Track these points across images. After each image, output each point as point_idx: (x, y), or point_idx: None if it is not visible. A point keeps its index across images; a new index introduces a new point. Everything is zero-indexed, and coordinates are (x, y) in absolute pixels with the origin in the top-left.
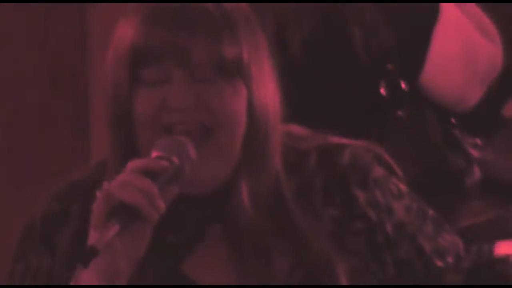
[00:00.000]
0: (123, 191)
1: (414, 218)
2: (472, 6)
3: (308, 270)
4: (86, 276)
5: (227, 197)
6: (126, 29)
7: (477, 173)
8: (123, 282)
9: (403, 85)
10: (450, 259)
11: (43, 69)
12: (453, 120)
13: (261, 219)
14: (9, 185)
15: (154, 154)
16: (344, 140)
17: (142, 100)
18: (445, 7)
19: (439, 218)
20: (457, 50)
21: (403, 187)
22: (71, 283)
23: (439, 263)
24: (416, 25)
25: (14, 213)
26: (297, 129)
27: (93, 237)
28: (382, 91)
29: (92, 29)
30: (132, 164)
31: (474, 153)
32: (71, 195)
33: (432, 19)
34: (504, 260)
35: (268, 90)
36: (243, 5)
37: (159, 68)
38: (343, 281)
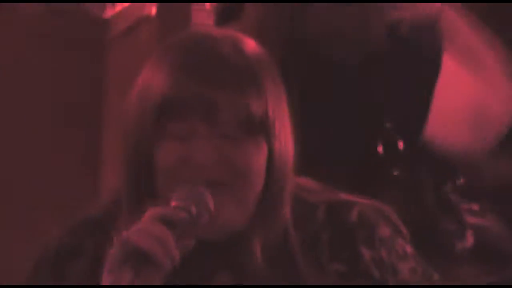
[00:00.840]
0: (140, 238)
1: (420, 281)
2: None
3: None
4: None
5: (239, 246)
6: (154, 78)
7: (469, 238)
8: None
9: (400, 145)
10: None
11: (60, 101)
12: (452, 183)
13: (270, 270)
14: (18, 216)
15: (173, 203)
16: (353, 198)
17: (165, 152)
18: (445, 63)
19: (444, 284)
20: (460, 105)
21: (409, 249)
22: None
23: None
24: (416, 82)
25: (23, 243)
26: (307, 181)
27: (106, 280)
28: (380, 149)
29: (109, 66)
30: (151, 212)
31: (470, 218)
32: (85, 230)
33: (432, 76)
34: None
35: (287, 144)
36: (262, 51)
37: (185, 123)
38: None
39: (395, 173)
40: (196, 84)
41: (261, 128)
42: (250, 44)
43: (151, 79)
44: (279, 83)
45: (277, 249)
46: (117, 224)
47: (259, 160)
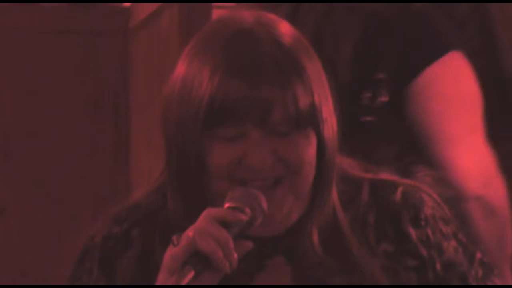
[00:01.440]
0: (203, 241)
1: (462, 259)
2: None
3: (407, 285)
4: None
5: (296, 236)
6: (198, 78)
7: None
8: None
9: (384, 97)
10: None
11: (86, 96)
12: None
13: (326, 255)
14: (51, 207)
15: (227, 204)
16: (396, 178)
17: (218, 153)
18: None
19: (487, 262)
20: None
21: (451, 229)
22: None
23: None
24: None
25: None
26: (347, 160)
27: (162, 280)
28: (366, 97)
29: (132, 55)
30: (209, 212)
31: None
32: (131, 219)
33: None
34: None
35: (334, 128)
36: (298, 35)
37: (237, 126)
38: None
39: (368, 118)
40: (247, 87)
41: (309, 119)
42: (285, 30)
43: (195, 78)
44: (319, 64)
45: (329, 231)
46: (163, 215)
47: (310, 152)
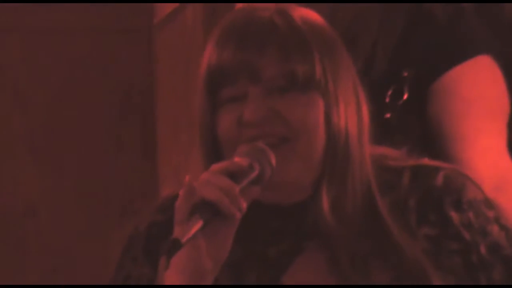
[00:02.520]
0: (204, 189)
1: (505, 242)
2: None
3: (404, 284)
4: (172, 275)
5: (311, 208)
6: (206, 52)
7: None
8: (208, 282)
9: (405, 95)
10: None
11: (112, 94)
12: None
13: (346, 227)
14: (81, 206)
15: (236, 159)
16: (436, 163)
17: (223, 118)
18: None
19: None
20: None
21: (493, 213)
22: (157, 283)
23: None
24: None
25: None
26: (387, 149)
27: (177, 232)
28: (389, 94)
29: (157, 50)
30: (215, 165)
31: None
32: (173, 207)
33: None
34: None
35: (349, 108)
36: (324, 25)
37: (234, 87)
38: None
39: (387, 115)
40: (236, 50)
41: (311, 84)
42: (303, 12)
43: (204, 54)
44: (339, 52)
45: (365, 216)
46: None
47: (314, 114)
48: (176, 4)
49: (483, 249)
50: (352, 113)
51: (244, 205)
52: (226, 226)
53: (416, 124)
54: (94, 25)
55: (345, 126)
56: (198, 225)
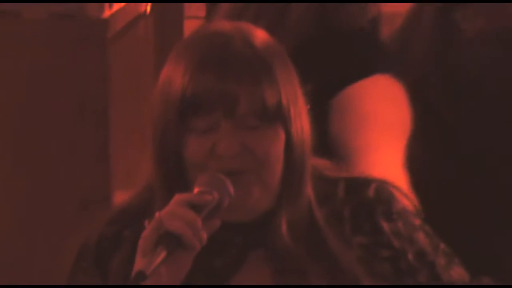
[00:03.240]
0: (170, 221)
1: (430, 248)
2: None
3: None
4: None
5: (268, 224)
6: (174, 75)
7: None
8: None
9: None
10: None
11: (69, 100)
12: None
13: (298, 245)
14: (32, 206)
15: (196, 189)
16: (368, 175)
17: (192, 145)
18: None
19: (449, 252)
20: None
21: (420, 221)
22: None
23: None
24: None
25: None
26: (323, 161)
27: (140, 263)
28: None
29: (110, 63)
30: (178, 197)
31: None
32: (123, 221)
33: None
34: None
35: (303, 127)
36: (273, 41)
37: (208, 118)
38: None
39: None
40: (215, 80)
41: (277, 115)
42: (259, 35)
43: (171, 76)
44: (291, 69)
45: (304, 226)
46: (152, 212)
47: (277, 146)
48: (129, 19)
49: (410, 256)
50: (306, 132)
51: (205, 236)
52: (186, 254)
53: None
54: (52, 36)
55: (302, 148)
56: (162, 256)
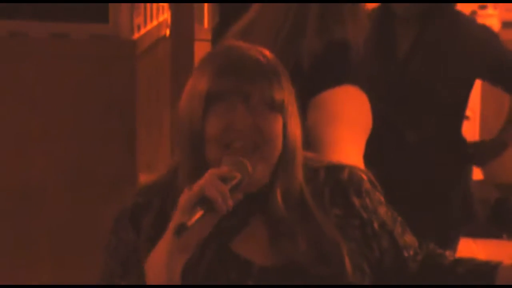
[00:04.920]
0: (208, 189)
1: (390, 220)
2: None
3: (322, 248)
4: (164, 246)
5: (266, 195)
6: (202, 76)
7: None
8: (188, 255)
9: None
10: (411, 252)
11: (105, 103)
12: None
13: (290, 212)
14: (74, 187)
15: (224, 167)
16: (343, 163)
17: (213, 123)
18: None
19: (404, 222)
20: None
21: (382, 198)
22: (152, 253)
23: (405, 254)
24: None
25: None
26: (309, 154)
27: (180, 218)
28: None
29: (138, 76)
30: (212, 171)
31: None
32: (152, 192)
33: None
34: (442, 254)
35: (296, 124)
36: (277, 59)
37: (227, 103)
38: (346, 259)
39: None
40: (233, 80)
41: (280, 108)
42: (268, 52)
43: (197, 80)
44: (290, 81)
45: (295, 198)
46: (176, 186)
47: (278, 129)
48: (152, 40)
49: (375, 225)
50: (298, 125)
51: (231, 204)
52: (214, 217)
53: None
54: (90, 53)
55: (294, 135)
56: (199, 214)
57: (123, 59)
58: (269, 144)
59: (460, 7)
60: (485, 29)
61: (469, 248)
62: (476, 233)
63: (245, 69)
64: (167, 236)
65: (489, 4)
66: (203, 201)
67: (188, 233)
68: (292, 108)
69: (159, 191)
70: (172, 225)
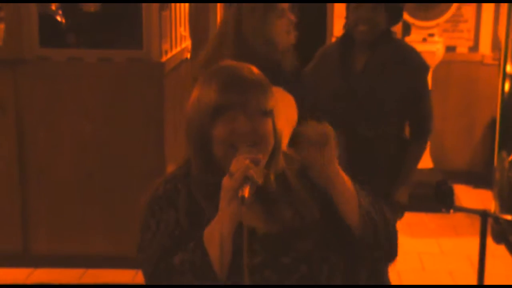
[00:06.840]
0: (250, 170)
1: (363, 193)
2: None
3: (302, 215)
4: (223, 215)
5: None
6: (207, 91)
7: None
8: (236, 223)
9: None
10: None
11: (139, 113)
12: None
13: (278, 188)
14: (117, 177)
15: (252, 151)
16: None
17: (219, 129)
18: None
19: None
20: None
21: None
22: (213, 222)
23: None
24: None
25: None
26: (289, 150)
27: (231, 195)
28: None
29: (165, 90)
30: (242, 157)
31: None
32: (175, 179)
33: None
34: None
35: (281, 123)
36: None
37: (230, 113)
38: (320, 222)
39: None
40: (236, 94)
41: (270, 114)
42: (255, 69)
43: (205, 93)
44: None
45: (281, 177)
46: (191, 175)
47: (270, 130)
48: (176, 62)
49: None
50: (281, 123)
51: (261, 182)
52: (253, 189)
53: None
54: (128, 75)
55: (281, 132)
56: (247, 189)
57: (154, 78)
58: (264, 142)
59: (414, 35)
60: (419, 58)
61: (421, 219)
62: (427, 209)
63: (244, 85)
64: (224, 211)
65: (435, 33)
66: (247, 179)
67: (238, 204)
68: (277, 111)
69: (181, 178)
70: (223, 204)
